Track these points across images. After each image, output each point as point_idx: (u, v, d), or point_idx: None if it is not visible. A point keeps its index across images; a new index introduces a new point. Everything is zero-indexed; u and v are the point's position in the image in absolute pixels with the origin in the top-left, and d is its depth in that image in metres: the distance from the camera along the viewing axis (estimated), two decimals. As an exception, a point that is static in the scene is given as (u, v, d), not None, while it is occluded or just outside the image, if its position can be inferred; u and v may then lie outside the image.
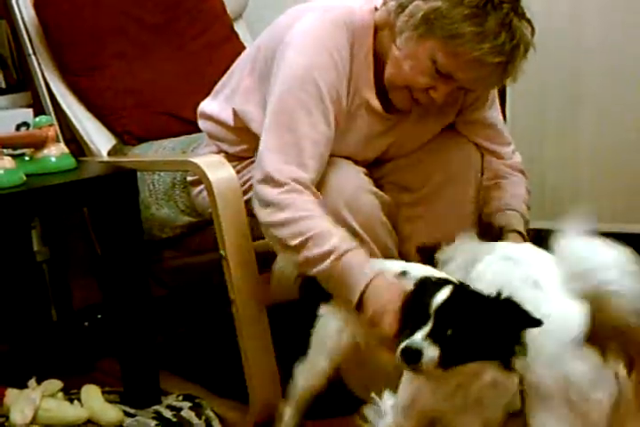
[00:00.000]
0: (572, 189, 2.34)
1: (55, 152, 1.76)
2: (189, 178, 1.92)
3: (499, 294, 1.29)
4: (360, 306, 1.50)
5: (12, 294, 2.22)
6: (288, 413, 1.65)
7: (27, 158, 1.77)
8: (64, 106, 2.16)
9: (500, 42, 1.55)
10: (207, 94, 1.96)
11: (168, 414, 1.79)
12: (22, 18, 2.15)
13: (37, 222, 2.26)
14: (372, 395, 1.43)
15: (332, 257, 1.52)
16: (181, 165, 1.91)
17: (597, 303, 1.28)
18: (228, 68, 1.93)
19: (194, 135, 2.08)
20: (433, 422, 1.37)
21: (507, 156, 1.88)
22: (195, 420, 1.78)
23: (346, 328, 1.55)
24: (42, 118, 1.80)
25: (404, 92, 1.69)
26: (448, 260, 1.59)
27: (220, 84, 1.93)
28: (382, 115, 1.76)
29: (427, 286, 1.33)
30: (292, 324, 1.68)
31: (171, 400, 1.85)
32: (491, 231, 1.68)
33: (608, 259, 1.29)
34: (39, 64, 2.15)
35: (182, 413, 1.80)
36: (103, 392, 1.82)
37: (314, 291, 1.59)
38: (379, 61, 1.71)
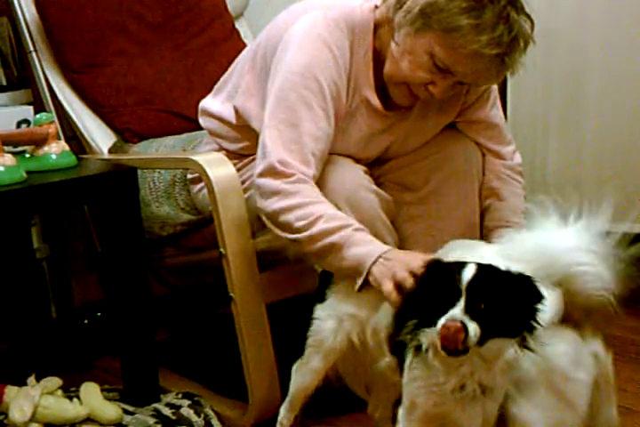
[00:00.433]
0: (574, 188, 2.33)
1: (56, 149, 1.76)
2: (190, 176, 1.92)
3: (516, 271, 1.29)
4: (372, 265, 1.50)
5: (12, 292, 2.22)
6: (283, 412, 1.67)
7: (27, 156, 1.77)
8: (65, 103, 2.16)
9: (497, 34, 1.55)
10: (208, 92, 1.97)
11: (167, 411, 1.79)
12: (23, 15, 2.15)
13: (38, 220, 2.27)
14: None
15: (350, 228, 1.53)
16: (182, 162, 1.91)
17: (568, 285, 1.33)
18: (228, 65, 1.93)
19: (194, 133, 2.08)
20: (444, 424, 1.37)
21: (507, 156, 1.88)
22: (194, 418, 1.78)
23: (341, 328, 1.55)
24: (42, 116, 1.80)
25: (403, 88, 1.69)
26: None
27: (221, 81, 1.93)
28: (382, 113, 1.76)
29: (444, 266, 1.32)
30: (291, 322, 1.68)
31: (170, 398, 1.85)
32: None
33: (574, 242, 1.35)
34: (40, 61, 2.15)
35: (181, 411, 1.80)
36: (102, 390, 1.82)
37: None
38: (378, 59, 1.71)
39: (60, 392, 1.77)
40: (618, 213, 2.28)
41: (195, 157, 1.81)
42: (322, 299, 1.58)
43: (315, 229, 1.54)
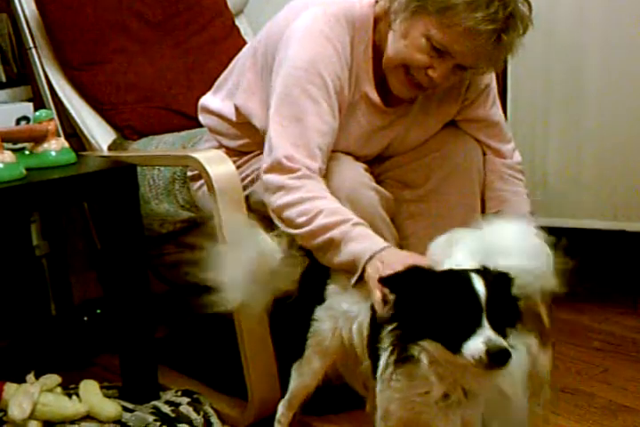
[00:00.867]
0: (574, 187, 2.33)
1: (55, 146, 1.76)
2: (189, 173, 1.92)
3: (502, 270, 1.30)
4: (367, 263, 1.50)
5: (12, 289, 2.22)
6: (281, 409, 1.67)
7: (27, 152, 1.76)
8: (64, 100, 2.16)
9: (492, 10, 1.55)
10: (208, 89, 1.96)
11: (166, 409, 1.79)
12: (23, 11, 2.15)
13: (37, 217, 2.26)
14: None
15: (349, 223, 1.53)
16: (181, 159, 1.90)
17: None
18: (228, 63, 1.92)
19: (194, 130, 2.08)
20: None
21: (508, 154, 1.88)
22: (193, 415, 1.78)
23: (337, 327, 1.55)
24: (42, 112, 1.79)
25: (400, 75, 1.68)
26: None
27: (221, 78, 1.93)
28: (382, 109, 1.76)
29: (449, 278, 1.29)
30: (290, 321, 1.68)
31: (169, 396, 1.85)
32: None
33: (510, 242, 1.37)
34: (40, 58, 2.15)
35: (181, 408, 1.80)
36: (102, 387, 1.81)
37: (311, 287, 1.59)
38: (378, 54, 1.71)
39: (59, 389, 1.77)
40: (618, 212, 2.30)
41: (194, 155, 1.81)
42: (321, 300, 1.58)
43: (314, 225, 1.54)
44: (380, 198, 1.70)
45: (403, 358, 1.29)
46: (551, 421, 1.83)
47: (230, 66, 1.91)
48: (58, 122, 2.06)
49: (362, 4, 1.71)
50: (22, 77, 2.24)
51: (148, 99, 2.21)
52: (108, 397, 1.80)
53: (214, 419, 1.82)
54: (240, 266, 1.49)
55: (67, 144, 1.79)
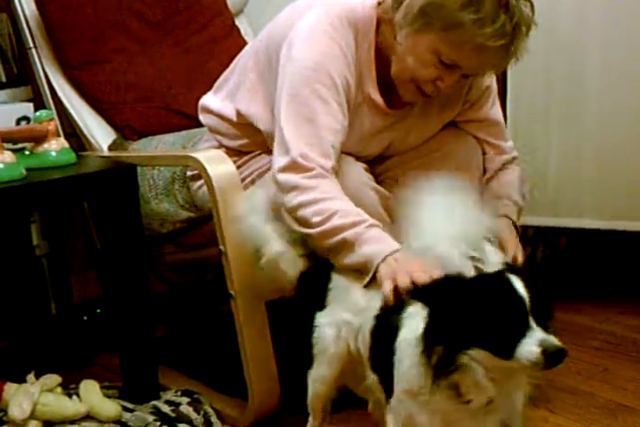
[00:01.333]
0: (574, 187, 2.33)
1: (55, 146, 1.76)
2: (189, 173, 1.92)
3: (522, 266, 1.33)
4: (379, 264, 1.50)
5: (12, 289, 2.22)
6: (310, 421, 1.66)
7: (27, 153, 1.76)
8: (64, 100, 2.16)
9: (499, 24, 1.54)
10: (208, 89, 1.96)
11: (166, 409, 1.79)
12: (23, 11, 2.14)
13: (37, 217, 2.26)
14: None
15: (363, 225, 1.53)
16: (181, 159, 1.90)
17: None
18: (229, 63, 1.92)
19: (194, 130, 2.08)
20: None
21: (507, 150, 1.88)
22: (193, 415, 1.78)
23: (340, 335, 1.53)
24: (42, 113, 1.79)
25: (411, 86, 1.68)
26: None
27: (221, 79, 1.93)
28: (385, 110, 1.76)
29: (486, 283, 1.27)
30: (290, 319, 1.68)
31: (169, 395, 1.85)
32: None
33: (436, 227, 1.41)
34: (40, 58, 2.15)
35: (181, 408, 1.80)
36: (102, 387, 1.82)
37: (310, 288, 1.59)
38: (381, 56, 1.71)
39: (59, 389, 1.77)
40: (619, 211, 2.30)
41: (194, 154, 1.81)
42: (322, 306, 1.58)
43: (329, 225, 1.54)
44: (380, 198, 1.70)
45: (449, 369, 1.26)
46: (551, 420, 1.83)
47: (231, 66, 1.91)
48: (58, 122, 2.06)
49: (364, 5, 1.70)
50: (22, 77, 2.24)
51: (147, 99, 2.21)
52: (109, 397, 1.80)
53: (214, 419, 1.82)
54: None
55: (67, 144, 1.80)
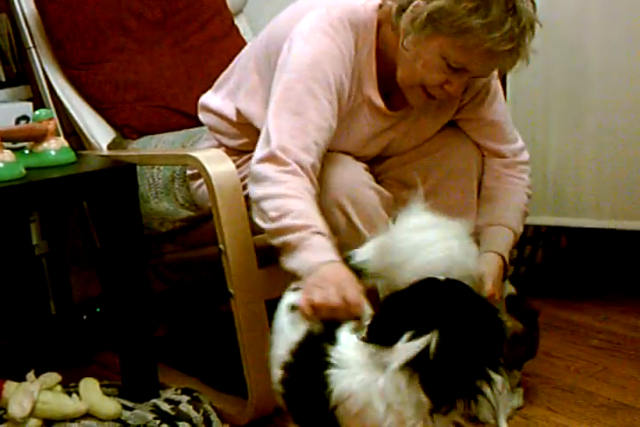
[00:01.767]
0: (574, 186, 2.33)
1: (55, 146, 1.76)
2: (189, 172, 1.92)
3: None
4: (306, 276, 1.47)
5: (11, 288, 2.22)
6: None
7: (26, 152, 1.76)
8: (64, 99, 2.16)
9: (507, 28, 1.55)
10: (207, 89, 1.97)
11: (166, 407, 1.79)
12: (22, 11, 2.15)
13: (36, 216, 2.26)
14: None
15: (309, 230, 1.50)
16: (181, 158, 1.90)
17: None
18: (228, 62, 1.93)
19: (194, 129, 2.08)
20: None
21: (508, 154, 1.87)
22: (193, 414, 1.78)
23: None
24: (42, 112, 1.79)
25: (418, 90, 1.69)
26: None
27: (221, 78, 1.93)
28: (385, 112, 1.76)
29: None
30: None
31: (169, 394, 1.85)
32: None
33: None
34: (39, 57, 2.15)
35: (180, 406, 1.80)
36: (101, 385, 1.81)
37: None
38: (381, 58, 1.71)
39: (59, 388, 1.77)
40: (619, 211, 2.30)
41: (194, 154, 1.81)
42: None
43: (280, 224, 1.53)
44: (380, 198, 1.70)
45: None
46: (550, 419, 1.83)
47: (231, 65, 1.91)
48: (57, 121, 2.05)
49: (366, 7, 1.70)
50: (22, 77, 2.24)
51: (147, 98, 2.21)
52: (108, 395, 1.80)
53: (214, 417, 1.82)
54: None
55: (66, 143, 1.79)
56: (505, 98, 2.36)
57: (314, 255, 1.49)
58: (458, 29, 1.56)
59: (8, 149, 1.68)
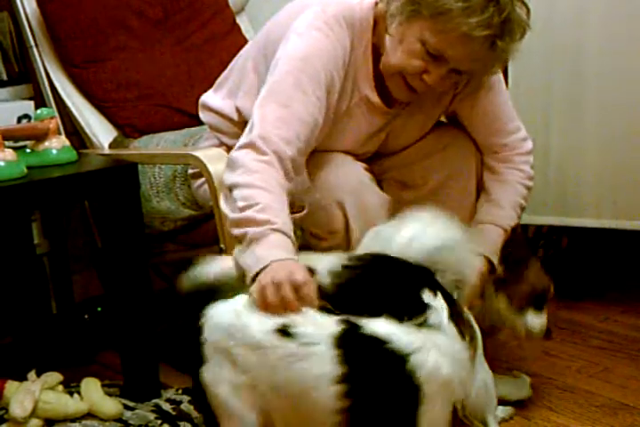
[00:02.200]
0: (575, 186, 2.33)
1: (56, 145, 1.76)
2: (190, 171, 1.92)
3: None
4: (259, 274, 1.43)
5: (13, 287, 2.22)
6: None
7: (28, 151, 1.77)
8: (65, 98, 2.16)
9: (487, 15, 1.53)
10: (209, 87, 1.96)
11: (167, 407, 1.79)
12: (24, 10, 2.14)
13: (38, 215, 2.26)
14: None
15: (267, 226, 1.47)
16: (182, 157, 1.90)
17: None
18: (230, 61, 1.92)
19: (195, 128, 2.08)
20: None
21: (507, 147, 1.84)
22: (194, 414, 1.78)
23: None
24: (43, 111, 1.79)
25: (399, 80, 1.67)
26: None
27: (221, 77, 1.93)
28: (383, 110, 1.75)
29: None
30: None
31: (170, 394, 1.85)
32: None
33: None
34: (41, 56, 2.15)
35: (182, 406, 1.80)
36: (103, 385, 1.82)
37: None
38: (377, 56, 1.70)
39: (60, 387, 1.77)
40: (620, 210, 2.30)
41: (195, 153, 1.81)
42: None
43: (244, 215, 1.49)
44: (380, 199, 1.70)
45: None
46: (551, 419, 1.83)
47: (231, 64, 1.91)
48: (59, 120, 2.06)
49: (362, 6, 1.70)
50: (23, 76, 2.24)
51: (148, 96, 2.21)
52: (110, 395, 1.81)
53: (215, 417, 1.82)
54: None
55: (68, 142, 1.80)
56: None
57: (269, 252, 1.45)
58: (437, 11, 1.55)
59: (9, 147, 1.69)
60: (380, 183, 1.80)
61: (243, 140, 1.60)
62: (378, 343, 1.26)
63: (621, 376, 2.02)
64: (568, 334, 2.26)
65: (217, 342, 1.33)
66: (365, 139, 1.78)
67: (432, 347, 1.28)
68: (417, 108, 1.80)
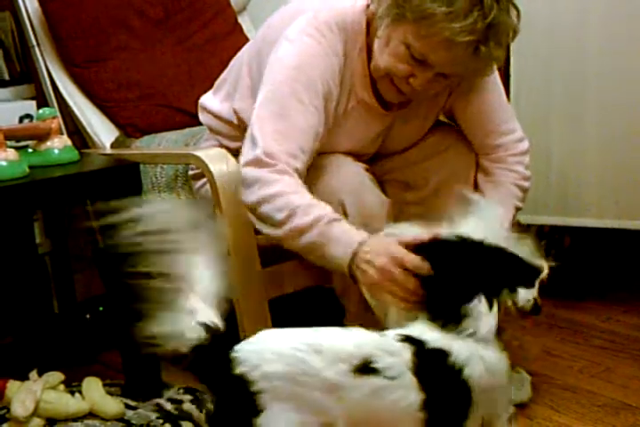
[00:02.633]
0: (577, 186, 2.33)
1: (58, 144, 1.76)
2: (191, 172, 1.92)
3: None
4: (352, 268, 1.46)
5: (15, 287, 2.22)
6: None
7: (30, 150, 1.77)
8: (67, 98, 2.16)
9: (470, 20, 1.52)
10: (210, 87, 1.96)
11: (169, 406, 1.79)
12: (26, 9, 2.15)
13: (40, 215, 2.26)
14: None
15: (322, 222, 1.49)
16: (184, 157, 1.90)
17: None
18: (231, 60, 1.92)
19: (196, 128, 2.08)
20: None
21: (500, 148, 1.83)
22: (196, 413, 1.78)
23: None
24: (45, 110, 1.80)
25: (387, 82, 1.67)
26: None
27: (220, 79, 1.93)
28: (381, 112, 1.75)
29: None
30: (293, 317, 1.67)
31: (172, 393, 1.85)
32: None
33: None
34: (42, 56, 2.15)
35: (183, 406, 1.80)
36: (104, 385, 1.82)
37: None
38: (372, 58, 1.70)
39: (61, 387, 1.77)
40: (621, 210, 2.30)
41: (197, 153, 1.81)
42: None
43: (293, 225, 1.51)
44: (380, 200, 1.70)
45: None
46: (553, 419, 1.83)
47: (228, 67, 1.91)
48: (61, 120, 2.06)
49: (354, 9, 1.69)
50: (25, 75, 2.24)
51: (150, 96, 2.21)
52: (111, 394, 1.80)
53: (217, 417, 1.82)
54: None
55: (69, 142, 1.80)
56: (507, 99, 2.37)
57: (342, 247, 1.47)
58: (421, 15, 1.54)
59: (12, 147, 1.69)
60: (382, 184, 1.80)
61: (247, 155, 1.60)
62: (443, 359, 1.27)
63: (623, 376, 2.02)
64: (570, 334, 2.26)
65: (275, 390, 1.22)
66: (364, 141, 1.78)
67: (479, 358, 1.29)
68: (414, 110, 1.80)
